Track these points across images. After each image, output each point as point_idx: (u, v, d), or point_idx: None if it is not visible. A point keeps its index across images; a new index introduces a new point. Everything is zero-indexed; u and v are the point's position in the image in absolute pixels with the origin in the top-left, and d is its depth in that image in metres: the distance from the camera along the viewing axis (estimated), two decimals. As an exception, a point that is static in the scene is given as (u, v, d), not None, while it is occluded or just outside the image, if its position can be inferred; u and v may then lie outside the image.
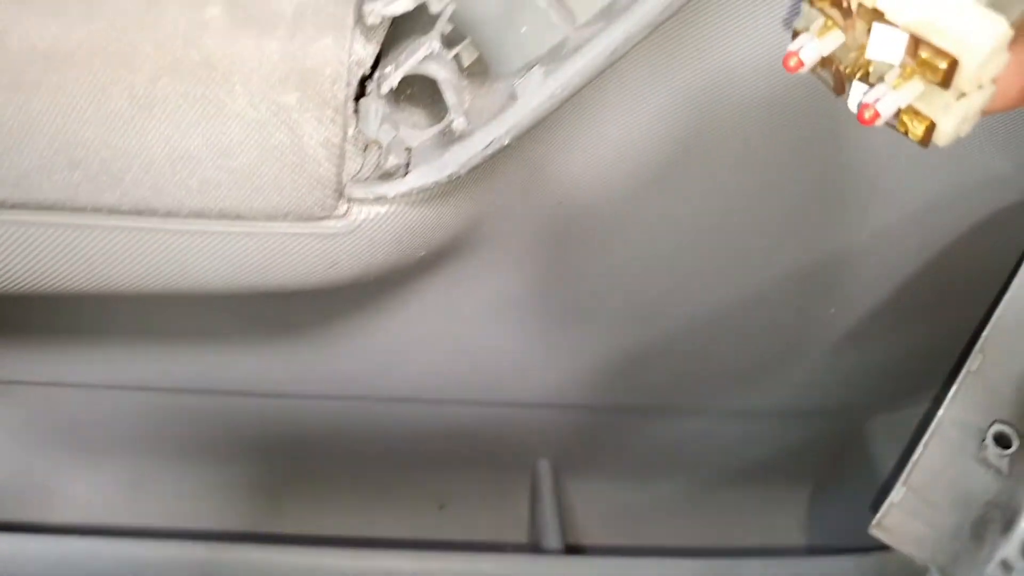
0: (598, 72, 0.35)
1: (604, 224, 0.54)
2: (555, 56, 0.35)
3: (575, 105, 0.41)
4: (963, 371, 0.49)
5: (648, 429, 0.72)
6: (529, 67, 0.36)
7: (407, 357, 0.63)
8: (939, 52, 0.25)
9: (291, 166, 0.36)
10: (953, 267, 0.57)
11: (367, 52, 0.35)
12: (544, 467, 0.73)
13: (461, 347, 0.62)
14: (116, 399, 0.63)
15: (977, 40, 0.24)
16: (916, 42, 0.25)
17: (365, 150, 0.38)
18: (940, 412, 0.48)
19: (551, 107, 0.35)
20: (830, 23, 0.28)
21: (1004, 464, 0.49)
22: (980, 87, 0.26)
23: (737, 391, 0.70)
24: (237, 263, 0.40)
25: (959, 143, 0.51)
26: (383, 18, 0.34)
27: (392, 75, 0.36)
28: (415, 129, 0.39)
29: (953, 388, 0.49)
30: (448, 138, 0.37)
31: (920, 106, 0.27)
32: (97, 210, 0.37)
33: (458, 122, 0.36)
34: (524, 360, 0.64)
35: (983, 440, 0.49)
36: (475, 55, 0.39)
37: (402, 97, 0.39)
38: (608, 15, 0.34)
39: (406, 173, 0.38)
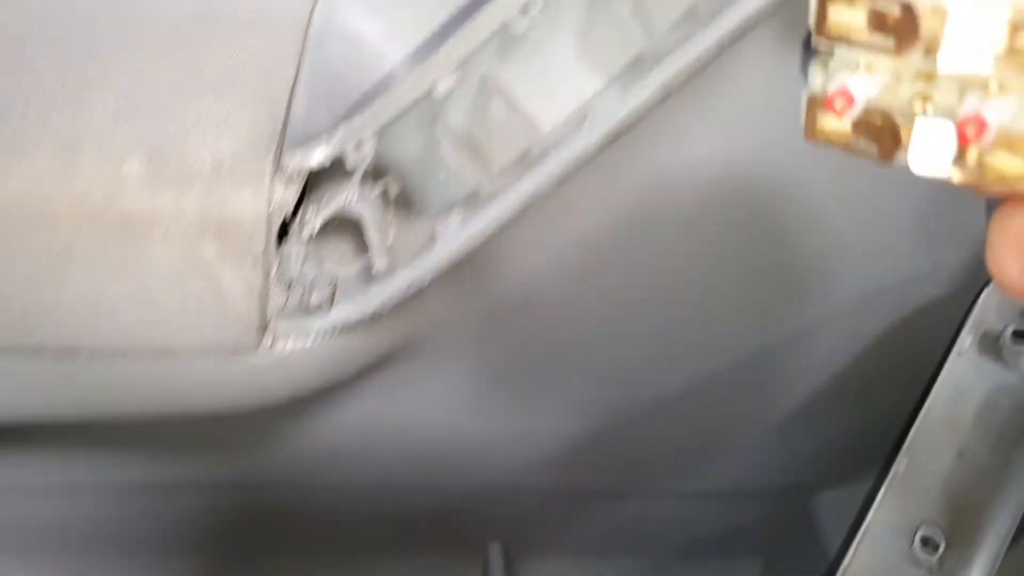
0: (516, 217, 0.35)
1: (547, 318, 0.55)
2: (473, 202, 0.36)
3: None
4: (890, 473, 0.50)
5: (598, 510, 0.73)
6: (449, 209, 0.37)
7: (353, 448, 0.63)
8: None
9: (212, 310, 0.36)
10: (888, 356, 0.59)
11: (288, 196, 0.36)
12: (495, 550, 0.73)
13: (408, 437, 0.62)
14: (54, 498, 0.62)
15: None
16: (1014, 28, 0.19)
17: (290, 286, 0.39)
18: (869, 516, 0.49)
19: (470, 250, 0.36)
20: (869, 61, 0.21)
21: (934, 562, 0.50)
22: None
23: (686, 472, 0.70)
24: (165, 396, 0.40)
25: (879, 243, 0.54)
26: (301, 170, 0.35)
27: (313, 220, 0.36)
28: (341, 262, 0.40)
29: (880, 491, 0.50)
30: (370, 276, 0.38)
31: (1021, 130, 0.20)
32: (19, 351, 0.37)
33: (378, 265, 0.37)
34: (473, 448, 0.64)
35: (912, 541, 0.50)
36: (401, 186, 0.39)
37: (329, 228, 0.40)
38: (523, 163, 0.35)
39: (331, 308, 0.39)
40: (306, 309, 0.39)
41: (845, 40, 0.21)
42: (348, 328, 0.39)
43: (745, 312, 0.56)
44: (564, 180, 0.35)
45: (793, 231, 0.51)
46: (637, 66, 0.34)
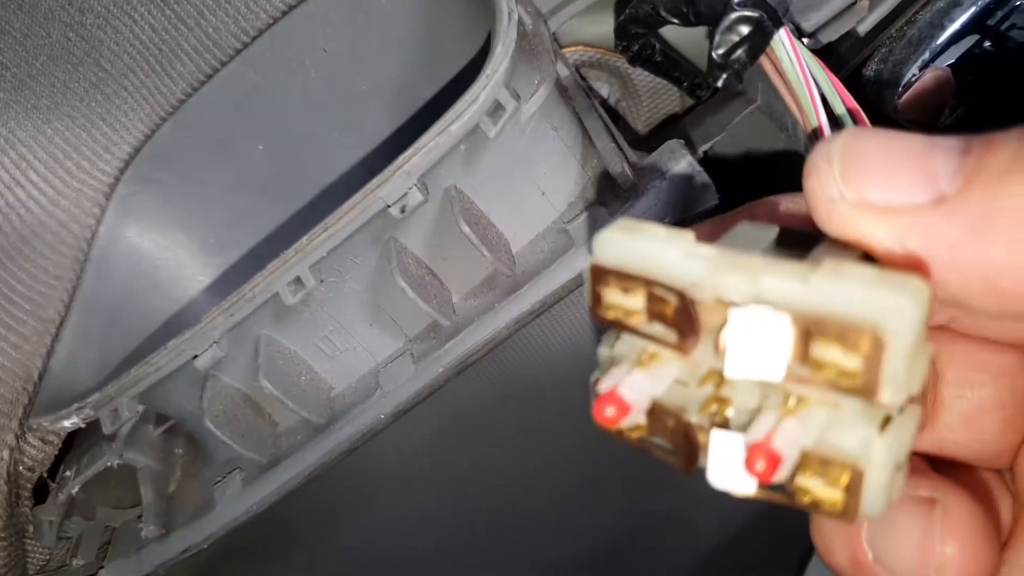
0: (294, 489, 0.32)
1: (399, 503, 0.51)
2: (255, 465, 0.32)
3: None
4: None
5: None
6: (231, 468, 0.33)
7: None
8: (848, 335, 0.15)
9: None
10: (754, 545, 0.57)
11: (44, 455, 0.32)
12: None
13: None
14: None
15: (908, 299, 0.15)
16: (805, 335, 0.16)
17: (52, 546, 0.34)
18: None
19: (247, 519, 0.32)
20: (652, 352, 0.18)
21: None
22: (911, 399, 0.16)
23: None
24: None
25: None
26: (56, 430, 0.30)
27: (70, 483, 0.32)
28: (118, 508, 0.35)
29: None
30: (141, 539, 0.34)
31: (828, 452, 0.16)
32: None
33: (148, 530, 0.33)
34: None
35: None
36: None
37: (108, 471, 0.35)
38: (309, 428, 0.32)
39: (101, 566, 0.34)
40: (71, 570, 0.34)
41: (623, 326, 0.18)
42: None
43: (610, 496, 0.53)
44: (352, 450, 0.31)
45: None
46: (433, 334, 0.30)
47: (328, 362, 0.31)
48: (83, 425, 0.31)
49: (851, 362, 0.15)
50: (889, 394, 0.15)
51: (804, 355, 0.16)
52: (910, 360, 0.15)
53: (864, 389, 0.15)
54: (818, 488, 0.16)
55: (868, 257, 0.17)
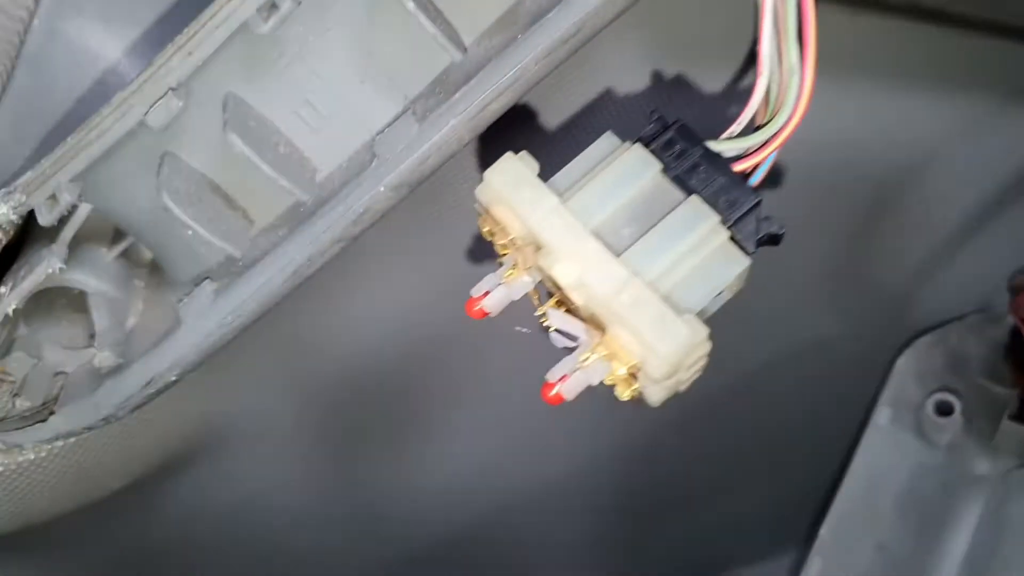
0: (279, 297, 0.26)
1: (401, 396, 0.46)
2: (228, 270, 0.26)
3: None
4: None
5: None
6: (199, 280, 0.27)
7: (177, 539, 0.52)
8: (620, 355, 0.22)
9: None
10: (799, 426, 0.51)
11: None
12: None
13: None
14: None
15: (665, 347, 0.21)
16: (600, 327, 0.23)
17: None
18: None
19: (223, 338, 0.26)
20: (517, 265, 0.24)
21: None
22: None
23: (596, 556, 0.62)
24: None
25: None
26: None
27: (7, 298, 0.26)
28: (71, 348, 0.30)
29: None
30: (99, 371, 0.28)
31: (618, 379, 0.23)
32: None
33: (101, 358, 0.27)
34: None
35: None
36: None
37: (56, 304, 0.30)
38: (294, 217, 0.26)
39: (51, 412, 0.28)
40: (16, 416, 0.29)
41: (497, 244, 0.25)
42: (77, 435, 0.29)
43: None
44: (349, 240, 0.26)
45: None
46: (441, 87, 0.25)
47: (312, 136, 0.25)
48: (14, 217, 0.25)
49: (623, 364, 0.22)
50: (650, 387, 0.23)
51: (599, 331, 0.23)
52: (669, 374, 0.22)
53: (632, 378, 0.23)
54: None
55: None
